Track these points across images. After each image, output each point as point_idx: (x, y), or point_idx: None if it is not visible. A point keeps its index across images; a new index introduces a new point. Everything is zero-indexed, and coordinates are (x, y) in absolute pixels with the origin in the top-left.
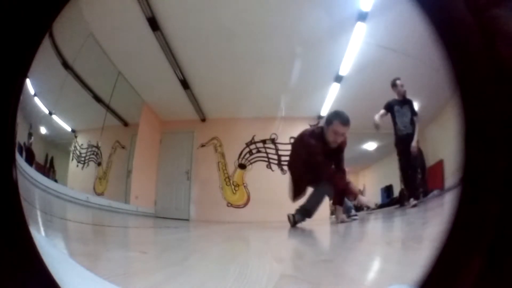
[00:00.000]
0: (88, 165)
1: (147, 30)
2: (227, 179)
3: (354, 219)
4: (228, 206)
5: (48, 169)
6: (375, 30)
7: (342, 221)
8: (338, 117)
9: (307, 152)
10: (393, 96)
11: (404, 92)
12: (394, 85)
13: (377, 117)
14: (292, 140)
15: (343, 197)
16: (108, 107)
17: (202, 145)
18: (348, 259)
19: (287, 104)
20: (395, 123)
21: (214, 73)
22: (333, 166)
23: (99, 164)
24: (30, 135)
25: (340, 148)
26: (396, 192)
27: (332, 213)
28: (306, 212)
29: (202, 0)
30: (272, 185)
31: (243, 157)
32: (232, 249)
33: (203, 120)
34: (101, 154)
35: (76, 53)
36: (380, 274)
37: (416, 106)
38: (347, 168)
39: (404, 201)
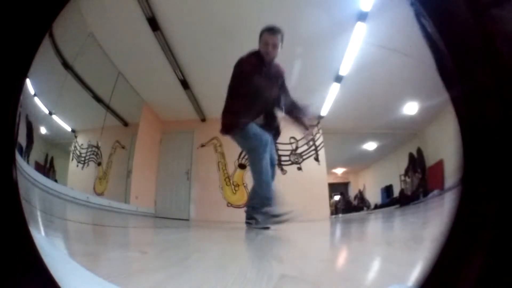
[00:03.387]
0: (88, 165)
1: (147, 30)
2: (227, 179)
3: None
4: (228, 206)
5: (48, 169)
6: (375, 30)
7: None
8: (266, 28)
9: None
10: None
11: None
12: None
13: None
14: (292, 140)
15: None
16: (108, 107)
17: (202, 145)
18: (348, 259)
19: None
20: None
21: (214, 73)
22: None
23: (99, 164)
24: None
25: (279, 74)
26: (396, 192)
27: (332, 213)
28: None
29: (202, 1)
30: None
31: (243, 157)
32: (232, 249)
33: (203, 120)
34: (101, 154)
35: (76, 53)
36: (380, 274)
37: (416, 106)
38: (346, 168)
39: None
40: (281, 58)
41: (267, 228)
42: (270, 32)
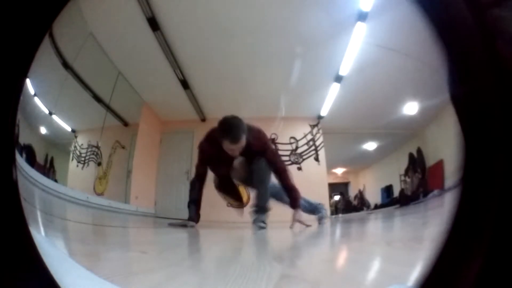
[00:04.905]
0: (88, 165)
1: (147, 30)
2: None
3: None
4: (228, 206)
5: (48, 169)
6: (375, 30)
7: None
8: (226, 137)
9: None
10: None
11: None
12: None
13: None
14: (292, 140)
15: None
16: (108, 107)
17: None
18: (348, 259)
19: (287, 104)
20: None
21: (214, 73)
22: None
23: (99, 164)
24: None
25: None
26: (396, 192)
27: (332, 213)
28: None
29: (202, 1)
30: None
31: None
32: (232, 249)
33: (203, 120)
34: (101, 154)
35: (76, 53)
36: (380, 274)
37: (416, 106)
38: (346, 168)
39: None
40: (281, 59)
41: (263, 228)
42: (230, 142)
